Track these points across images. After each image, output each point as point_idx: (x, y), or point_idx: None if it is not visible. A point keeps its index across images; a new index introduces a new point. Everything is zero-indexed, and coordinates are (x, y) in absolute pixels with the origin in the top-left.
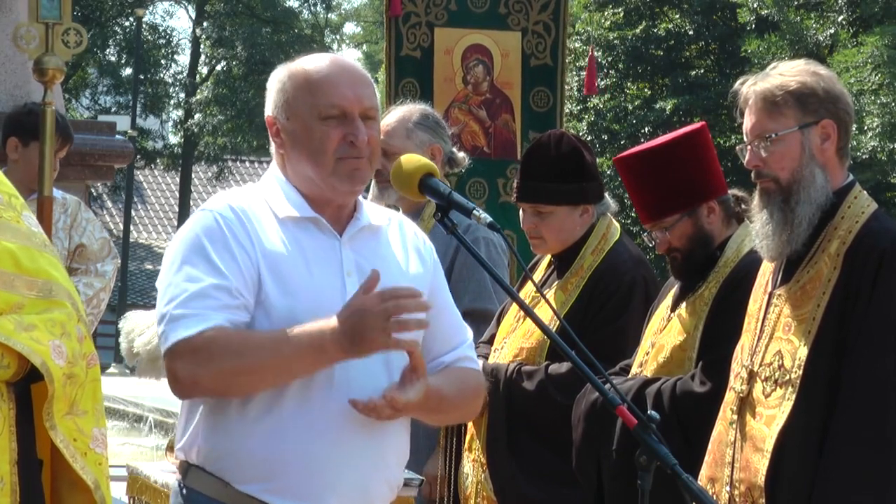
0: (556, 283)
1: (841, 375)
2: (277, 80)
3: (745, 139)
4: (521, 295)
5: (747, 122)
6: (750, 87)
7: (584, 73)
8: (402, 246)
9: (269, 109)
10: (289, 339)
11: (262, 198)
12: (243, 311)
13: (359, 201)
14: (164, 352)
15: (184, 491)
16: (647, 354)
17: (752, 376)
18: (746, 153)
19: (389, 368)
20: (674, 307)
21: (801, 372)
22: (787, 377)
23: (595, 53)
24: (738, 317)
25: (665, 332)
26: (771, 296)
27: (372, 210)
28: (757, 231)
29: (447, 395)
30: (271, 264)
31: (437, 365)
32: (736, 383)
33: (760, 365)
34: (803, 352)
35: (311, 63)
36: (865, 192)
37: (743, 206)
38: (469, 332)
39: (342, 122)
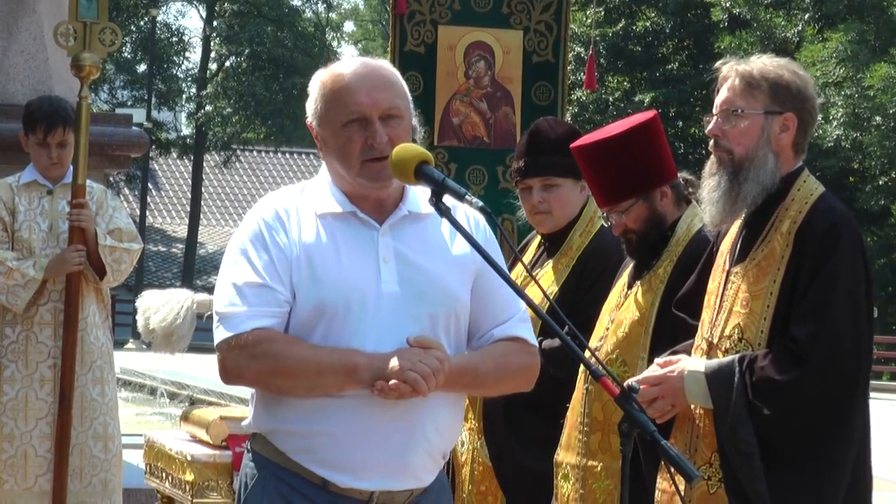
0: (548, 262)
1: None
2: (312, 89)
3: (713, 111)
4: (513, 275)
5: (721, 95)
6: (732, 67)
7: (569, 68)
8: (450, 230)
9: (308, 116)
10: (325, 354)
11: (308, 196)
12: (285, 305)
13: (406, 191)
14: (216, 345)
15: (251, 453)
16: (607, 330)
17: (711, 348)
18: (711, 123)
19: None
20: (630, 285)
21: (762, 343)
22: (749, 349)
23: (579, 49)
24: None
25: (623, 308)
26: (728, 273)
27: (423, 198)
28: (703, 196)
29: (483, 371)
30: (306, 257)
31: (487, 339)
32: (696, 355)
33: (720, 338)
34: (761, 325)
35: (336, 71)
36: (819, 177)
37: (690, 190)
38: (522, 306)
39: (362, 126)
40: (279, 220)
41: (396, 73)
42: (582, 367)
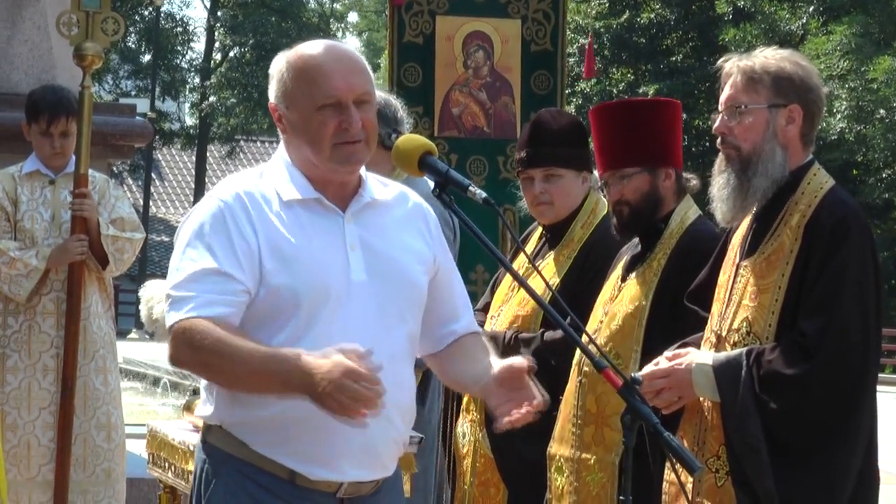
0: (549, 253)
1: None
2: (277, 69)
3: (719, 108)
4: (514, 266)
5: (725, 93)
6: (734, 63)
7: (573, 60)
8: (405, 219)
9: (271, 97)
10: (262, 357)
11: (269, 181)
12: (242, 294)
13: (363, 178)
14: (168, 329)
15: (207, 448)
16: (601, 323)
17: (720, 341)
18: (717, 121)
19: (390, 356)
20: (624, 277)
21: (770, 337)
22: (758, 342)
23: (584, 41)
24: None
25: (617, 301)
26: (738, 267)
27: (377, 186)
28: (714, 194)
29: None
30: (273, 245)
31: (448, 333)
32: (705, 348)
33: (728, 331)
34: (769, 318)
35: (307, 53)
36: (824, 169)
37: (693, 182)
38: (469, 303)
39: (337, 111)
40: (242, 206)
41: (363, 57)
42: (575, 359)
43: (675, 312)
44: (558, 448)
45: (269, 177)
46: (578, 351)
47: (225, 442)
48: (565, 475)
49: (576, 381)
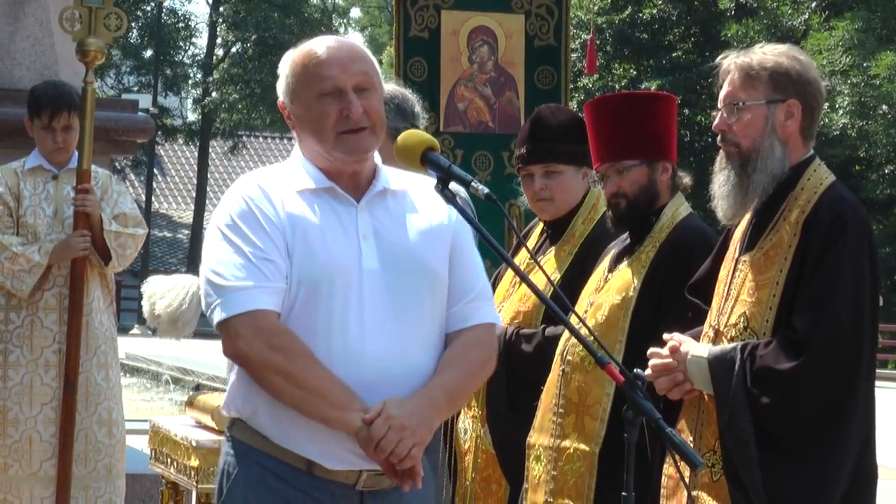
0: (550, 249)
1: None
2: (282, 68)
3: (718, 106)
4: (516, 261)
5: (723, 90)
6: (732, 60)
7: (575, 56)
8: (423, 206)
9: (279, 95)
10: (335, 396)
11: (285, 175)
12: (282, 280)
13: (378, 168)
14: (225, 318)
15: (230, 441)
16: (585, 313)
17: (717, 335)
18: (717, 118)
19: (402, 342)
20: (611, 268)
21: (767, 333)
22: (755, 338)
23: (586, 37)
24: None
25: (603, 292)
26: (737, 262)
27: (393, 175)
28: (714, 192)
29: (458, 392)
30: (294, 232)
31: (453, 315)
32: (703, 342)
33: (726, 326)
34: (767, 314)
35: (308, 49)
36: (825, 165)
37: (685, 182)
38: (481, 282)
39: (337, 98)
40: (266, 196)
41: (367, 50)
42: (559, 349)
43: (661, 305)
44: (538, 437)
45: (284, 171)
46: (562, 341)
47: (247, 435)
48: (543, 464)
49: (558, 370)
